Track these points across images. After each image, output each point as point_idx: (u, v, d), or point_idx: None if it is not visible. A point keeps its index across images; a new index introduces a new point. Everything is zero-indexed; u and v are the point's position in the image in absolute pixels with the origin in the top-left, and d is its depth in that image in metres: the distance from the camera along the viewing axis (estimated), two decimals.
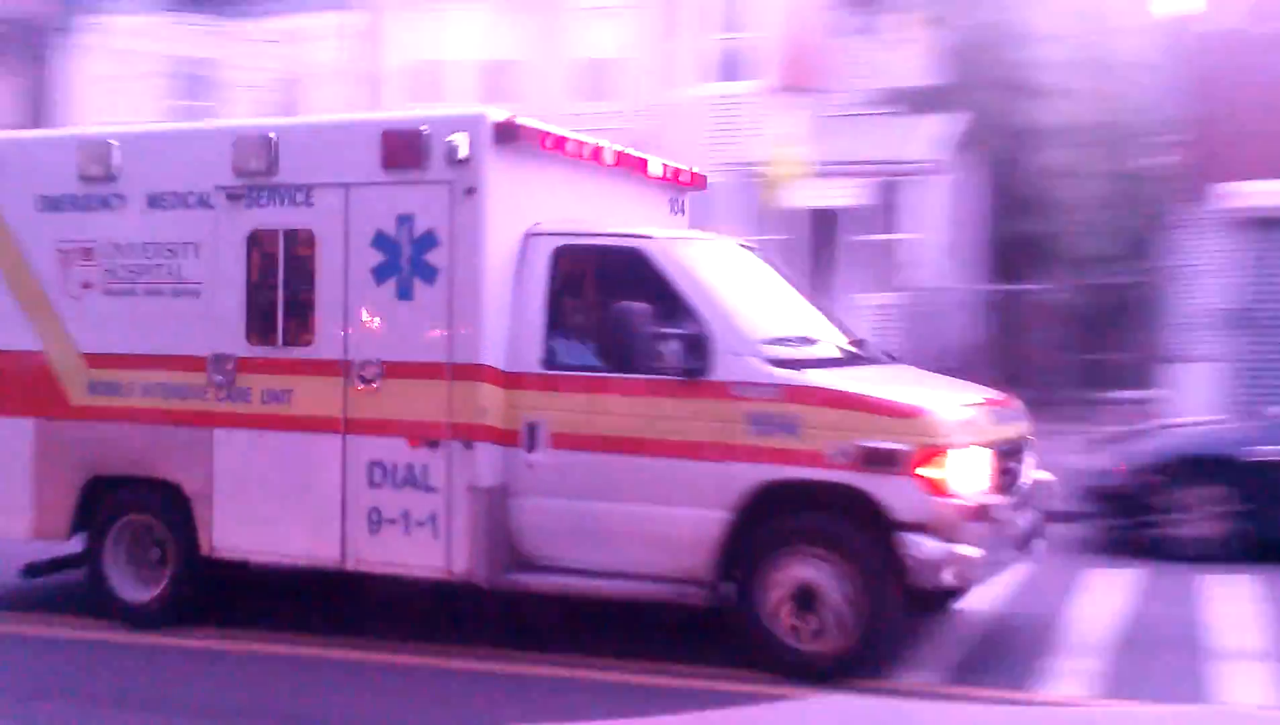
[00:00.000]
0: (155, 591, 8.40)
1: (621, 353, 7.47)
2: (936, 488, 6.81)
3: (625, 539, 7.38)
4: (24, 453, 8.69)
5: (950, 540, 6.83)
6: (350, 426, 7.82)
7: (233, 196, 8.13)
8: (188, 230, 8.28)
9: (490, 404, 7.54)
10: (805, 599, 7.03)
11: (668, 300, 7.45)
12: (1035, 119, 26.41)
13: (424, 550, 7.64)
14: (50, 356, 8.66)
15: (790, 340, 7.54)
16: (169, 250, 8.33)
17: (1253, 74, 18.23)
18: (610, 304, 7.54)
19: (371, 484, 7.75)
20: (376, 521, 7.73)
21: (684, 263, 7.58)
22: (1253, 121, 18.33)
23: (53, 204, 8.67)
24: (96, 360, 8.53)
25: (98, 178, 8.50)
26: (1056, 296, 23.75)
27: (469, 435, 7.54)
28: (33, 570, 8.96)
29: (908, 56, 24.66)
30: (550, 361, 7.63)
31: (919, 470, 6.81)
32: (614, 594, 7.50)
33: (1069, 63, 27.11)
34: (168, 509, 8.36)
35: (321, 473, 7.88)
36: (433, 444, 7.61)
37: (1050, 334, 22.63)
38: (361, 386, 7.79)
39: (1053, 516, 8.78)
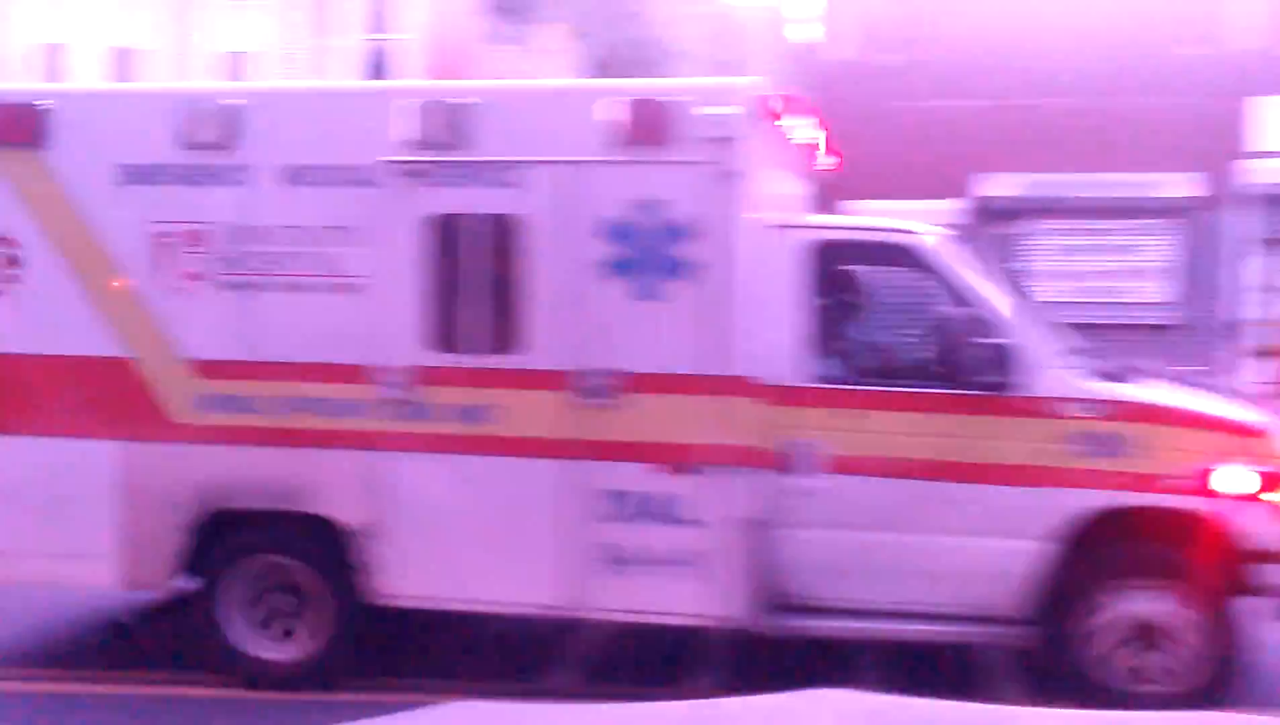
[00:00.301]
0: (300, 647, 6.95)
1: (911, 364, 6.62)
2: None
3: (914, 574, 6.53)
4: (103, 483, 7.01)
5: None
6: (576, 449, 6.63)
7: (409, 173, 6.73)
8: (342, 212, 6.81)
9: (756, 423, 6.52)
10: (1142, 638, 6.39)
11: (951, 303, 6.63)
12: None
13: (678, 593, 6.56)
14: (140, 363, 7.00)
15: (1080, 349, 6.85)
16: (315, 236, 6.84)
17: (870, 102, 19.35)
18: (892, 309, 6.66)
19: (607, 517, 6.60)
20: (615, 560, 6.59)
21: (963, 262, 6.75)
22: (871, 147, 19.90)
23: (143, 175, 6.98)
24: (210, 368, 6.94)
25: (211, 145, 6.88)
26: None
27: (733, 459, 6.50)
28: (122, 630, 7.29)
29: (555, 68, 24.74)
30: (820, 373, 6.66)
31: (1270, 495, 6.27)
32: (907, 637, 6.66)
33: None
34: (315, 548, 6.92)
35: (539, 504, 6.66)
36: (687, 469, 6.53)
37: None
38: (591, 402, 6.60)
39: None
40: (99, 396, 7.05)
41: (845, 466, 6.55)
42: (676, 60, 28.03)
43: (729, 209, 6.46)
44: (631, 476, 6.58)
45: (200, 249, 6.92)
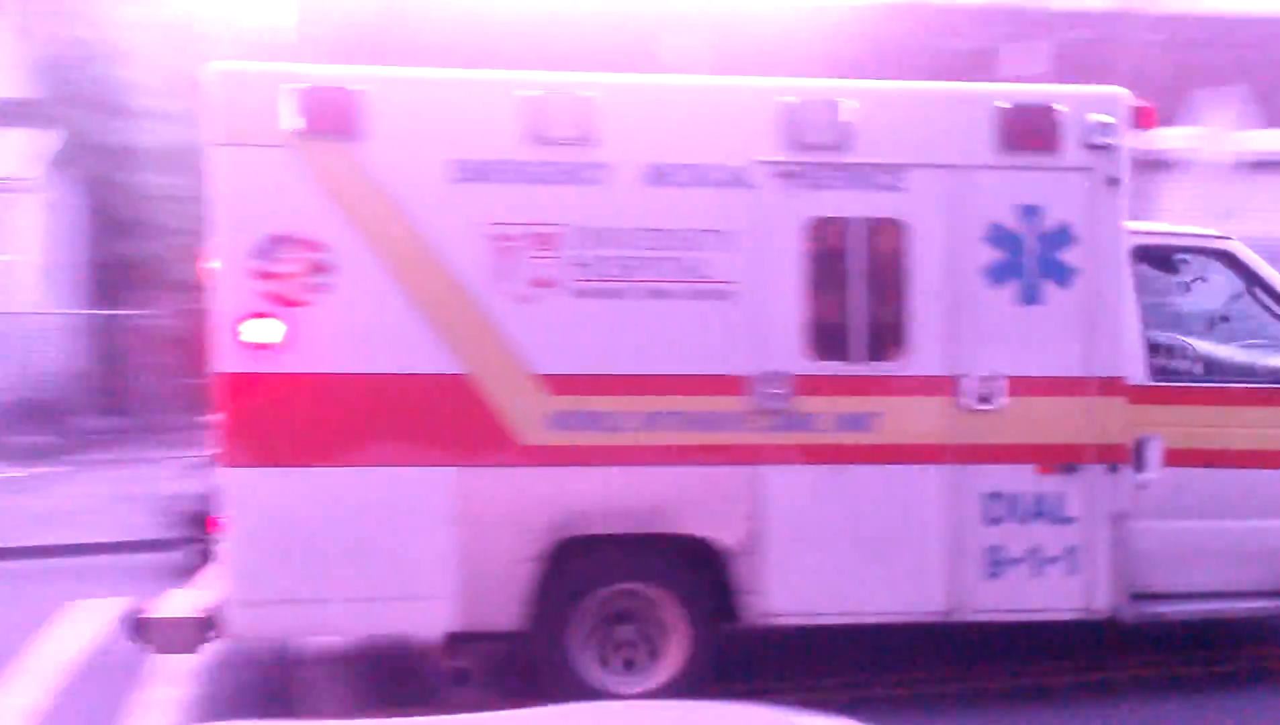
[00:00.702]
0: (654, 677, 6.55)
1: (1243, 360, 7.13)
2: None
3: (1242, 558, 7.04)
4: (437, 515, 6.31)
5: None
6: (962, 454, 6.63)
7: (785, 175, 6.45)
8: (712, 214, 6.43)
9: (1126, 421, 6.76)
10: None
11: (1262, 304, 7.18)
12: (130, 140, 25.70)
13: (1057, 590, 6.72)
14: (480, 380, 6.33)
15: None
16: (680, 239, 6.42)
17: None
18: (1212, 309, 7.12)
19: (989, 519, 6.65)
20: (997, 562, 6.66)
21: (1266, 266, 7.28)
22: None
23: (482, 172, 6.29)
24: (564, 384, 6.38)
25: (565, 141, 6.30)
26: (157, 321, 22.84)
27: (1111, 457, 6.73)
28: (463, 676, 6.56)
29: None
30: (1156, 371, 7.02)
31: None
32: (1253, 614, 7.13)
33: (163, 87, 27.83)
34: (678, 571, 6.55)
35: (926, 511, 6.62)
36: (1069, 469, 6.69)
37: (152, 359, 21.98)
38: (977, 406, 6.61)
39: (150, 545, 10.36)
40: (430, 418, 6.32)
41: (1180, 459, 6.92)
42: (130, 64, 26.69)
43: (1111, 215, 6.65)
44: (1015, 478, 6.66)
45: (550, 253, 6.33)
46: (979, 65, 16.27)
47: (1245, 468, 7.02)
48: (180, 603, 6.56)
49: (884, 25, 17.93)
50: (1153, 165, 14.60)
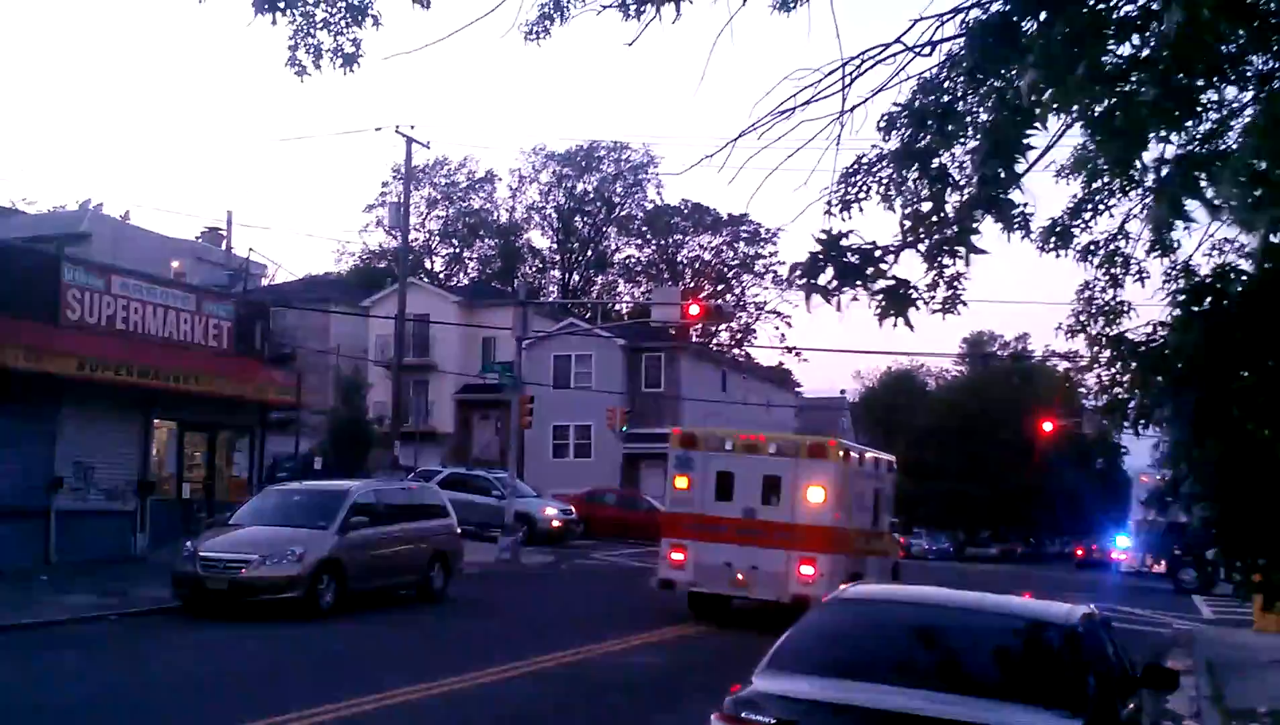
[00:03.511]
0: None
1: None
2: None
3: None
4: (847, 570, 22.50)
5: None
6: (882, 553, 24.77)
7: (870, 477, 24.19)
8: (870, 487, 23.86)
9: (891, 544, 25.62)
10: None
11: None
12: None
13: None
14: (848, 527, 22.77)
15: None
16: (869, 496, 23.73)
17: None
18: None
19: (880, 573, 24.82)
20: (881, 578, 24.82)
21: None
22: None
23: (861, 476, 22.98)
24: (858, 532, 23.13)
25: (867, 466, 23.30)
26: None
27: (889, 555, 25.44)
28: None
29: None
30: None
31: None
32: None
33: None
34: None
35: (882, 570, 24.53)
36: (884, 557, 25.21)
37: None
38: (883, 540, 24.82)
39: None
40: (843, 541, 22.54)
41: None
42: None
43: (892, 486, 25.55)
44: (881, 561, 25.01)
45: (863, 499, 23.19)
46: None
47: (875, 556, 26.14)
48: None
49: None
50: None
